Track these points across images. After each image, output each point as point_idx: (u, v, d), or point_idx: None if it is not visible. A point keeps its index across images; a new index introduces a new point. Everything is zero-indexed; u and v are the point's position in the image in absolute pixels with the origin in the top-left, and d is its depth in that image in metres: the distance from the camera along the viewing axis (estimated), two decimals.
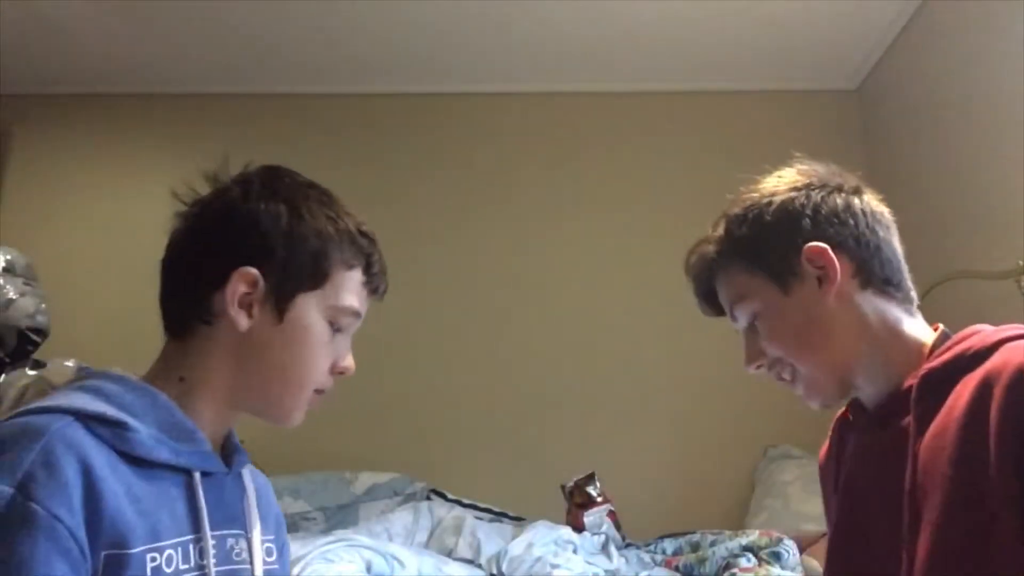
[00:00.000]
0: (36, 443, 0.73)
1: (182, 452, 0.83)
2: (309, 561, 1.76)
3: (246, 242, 0.88)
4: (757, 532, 2.14)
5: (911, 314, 0.94)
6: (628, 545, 2.38)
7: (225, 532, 0.89)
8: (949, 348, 0.86)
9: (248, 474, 0.97)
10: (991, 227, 2.56)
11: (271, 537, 0.98)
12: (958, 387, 0.81)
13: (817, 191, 0.97)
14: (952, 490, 0.77)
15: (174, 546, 0.80)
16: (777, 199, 0.96)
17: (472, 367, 3.24)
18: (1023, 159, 2.42)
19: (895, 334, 0.91)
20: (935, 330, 0.93)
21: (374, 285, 0.96)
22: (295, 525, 2.52)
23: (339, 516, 2.62)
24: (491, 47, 3.28)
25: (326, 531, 2.31)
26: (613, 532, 2.43)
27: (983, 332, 0.86)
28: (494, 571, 2.08)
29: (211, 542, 0.84)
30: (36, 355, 2.30)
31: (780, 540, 2.06)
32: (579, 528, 2.38)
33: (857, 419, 0.98)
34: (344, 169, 3.45)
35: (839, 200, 0.96)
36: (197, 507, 0.84)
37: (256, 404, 0.92)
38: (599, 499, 2.52)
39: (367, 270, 0.95)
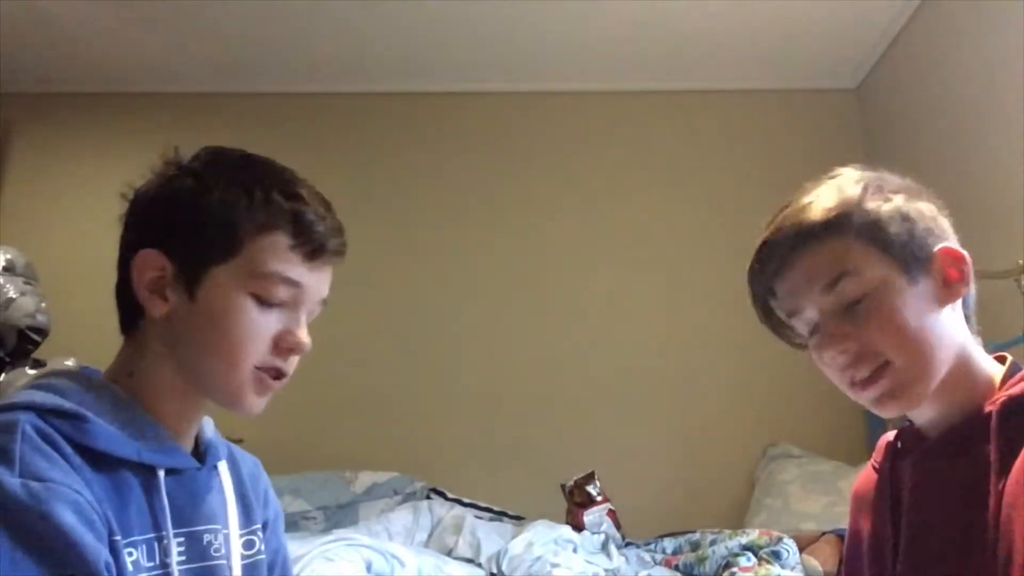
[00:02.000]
0: (16, 434, 0.71)
1: (145, 450, 0.80)
2: (309, 561, 1.76)
3: (146, 224, 0.86)
4: (757, 531, 2.14)
5: (979, 345, 0.92)
6: (628, 544, 2.38)
7: (200, 528, 0.86)
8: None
9: (225, 466, 0.94)
10: (991, 227, 2.56)
11: (255, 526, 0.96)
12: None
13: (934, 202, 0.95)
14: None
15: (137, 543, 0.78)
16: (903, 192, 0.93)
17: (472, 367, 3.24)
18: (1023, 159, 2.43)
19: (970, 362, 0.89)
20: (1000, 361, 0.91)
21: (311, 247, 0.85)
22: (295, 524, 2.52)
23: (339, 515, 2.62)
24: (491, 47, 3.28)
25: (326, 530, 2.31)
26: (613, 531, 2.43)
27: None
28: (494, 570, 2.08)
29: (176, 540, 0.82)
30: (36, 354, 2.30)
31: (780, 539, 2.06)
32: (579, 527, 2.38)
33: (912, 446, 0.93)
34: (344, 168, 3.45)
35: (946, 216, 0.94)
36: (159, 507, 0.81)
37: (203, 391, 0.87)
38: (599, 498, 2.52)
39: (296, 233, 0.85)
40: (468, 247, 3.38)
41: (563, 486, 2.58)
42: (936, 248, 0.88)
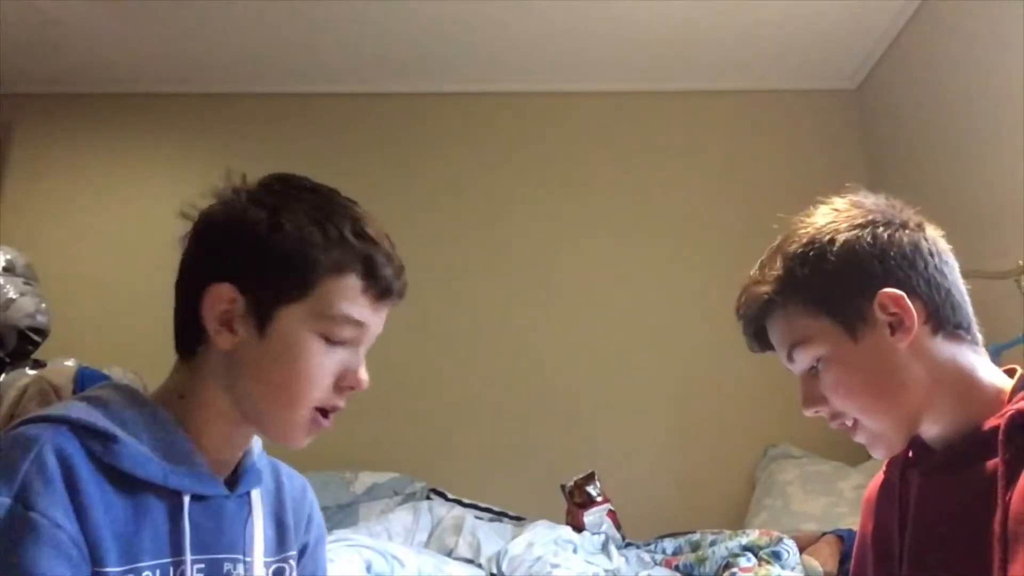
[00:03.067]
0: (29, 452, 0.73)
1: (173, 473, 0.81)
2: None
3: (221, 256, 0.85)
4: (757, 532, 2.14)
5: (983, 357, 0.90)
6: (628, 545, 2.38)
7: (221, 556, 0.86)
8: None
9: (258, 494, 0.93)
10: (991, 227, 2.56)
11: (289, 553, 0.95)
12: None
13: (882, 229, 0.89)
14: None
15: (152, 567, 0.79)
16: (840, 237, 0.88)
17: (472, 367, 3.24)
18: (1022, 159, 2.43)
19: (971, 380, 0.87)
20: (1010, 374, 0.89)
21: (379, 289, 0.87)
22: None
23: (339, 516, 2.62)
24: (491, 47, 3.28)
25: (326, 531, 2.31)
26: (613, 532, 2.43)
27: None
28: (494, 571, 2.08)
29: (195, 567, 0.82)
30: (36, 355, 2.30)
31: (780, 540, 2.06)
32: (579, 528, 2.38)
33: (922, 458, 0.92)
34: (343, 169, 3.45)
35: (906, 239, 0.89)
36: (180, 533, 0.81)
37: (257, 423, 0.88)
38: (599, 499, 2.52)
39: (366, 274, 0.86)
40: (468, 247, 3.38)
41: (563, 486, 2.58)
42: (875, 297, 0.87)
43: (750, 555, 2.02)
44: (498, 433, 3.16)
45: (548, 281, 3.35)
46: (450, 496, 2.66)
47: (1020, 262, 2.28)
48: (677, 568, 2.10)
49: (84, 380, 2.20)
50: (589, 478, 2.56)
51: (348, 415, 3.32)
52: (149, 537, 0.79)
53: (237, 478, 0.90)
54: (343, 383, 0.87)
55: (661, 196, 3.43)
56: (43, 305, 2.30)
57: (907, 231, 0.90)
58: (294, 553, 0.97)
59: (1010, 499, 0.79)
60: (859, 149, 3.49)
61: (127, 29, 3.13)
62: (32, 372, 2.19)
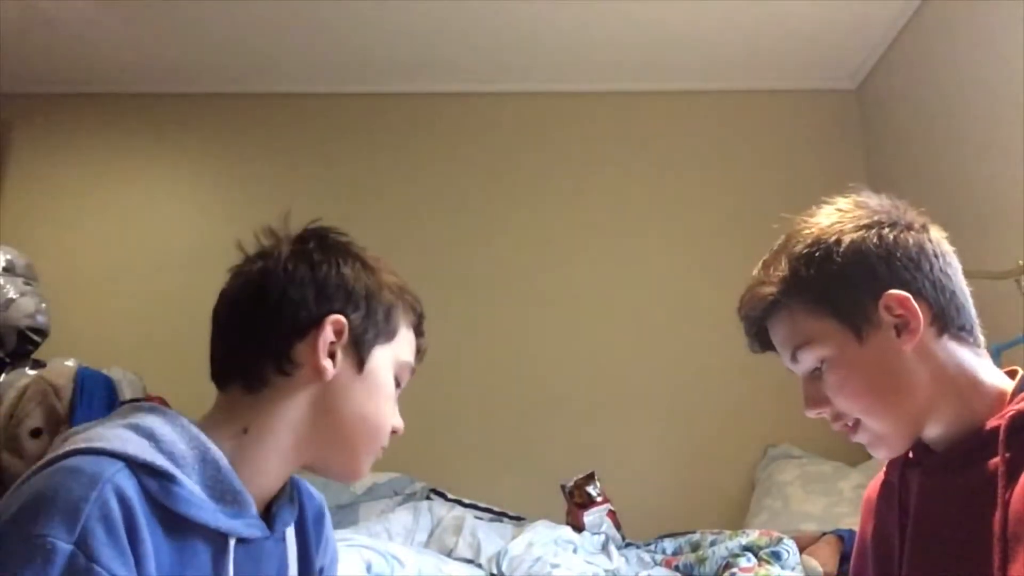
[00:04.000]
0: (92, 492, 0.69)
1: (222, 515, 0.79)
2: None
3: (334, 293, 0.88)
4: (757, 532, 2.14)
5: (985, 358, 0.91)
6: (628, 545, 2.38)
7: None
8: None
9: (292, 533, 0.93)
10: (991, 227, 2.56)
11: None
12: None
13: (888, 230, 0.89)
14: None
15: None
16: (846, 238, 0.88)
17: (472, 367, 3.24)
18: (1023, 159, 2.43)
19: (974, 382, 0.88)
20: (1011, 375, 0.90)
21: (421, 348, 0.99)
22: None
23: (339, 516, 2.61)
24: (491, 47, 3.28)
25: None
26: (613, 532, 2.43)
27: None
28: (494, 571, 2.08)
29: None
30: (36, 355, 2.31)
31: (780, 540, 2.06)
32: (579, 528, 2.38)
33: (922, 458, 0.93)
34: (343, 169, 3.46)
35: (911, 240, 0.89)
36: (224, 574, 0.80)
37: (326, 458, 0.89)
38: (599, 499, 2.52)
39: (418, 332, 0.97)
40: (468, 247, 3.38)
41: (563, 487, 2.58)
42: (881, 298, 0.87)
43: (750, 555, 2.02)
44: (498, 433, 3.16)
45: (548, 281, 3.35)
46: (450, 496, 2.66)
47: (1020, 262, 2.28)
48: (677, 568, 2.10)
49: (84, 380, 2.20)
50: (589, 478, 2.56)
51: None
52: None
53: (272, 515, 0.88)
54: (395, 427, 0.95)
55: (661, 196, 3.43)
56: (43, 305, 2.30)
57: (912, 232, 0.90)
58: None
59: (1010, 499, 0.79)
60: (859, 149, 3.49)
61: (127, 29, 3.13)
62: (32, 372, 2.19)
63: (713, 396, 3.18)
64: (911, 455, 0.95)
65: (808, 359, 0.90)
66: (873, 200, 0.93)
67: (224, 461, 0.80)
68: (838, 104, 3.55)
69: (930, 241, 0.90)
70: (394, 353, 0.92)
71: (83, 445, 0.74)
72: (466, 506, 2.57)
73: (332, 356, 0.86)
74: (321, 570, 0.99)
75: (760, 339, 0.98)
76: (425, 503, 2.54)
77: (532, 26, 3.15)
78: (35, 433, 2.09)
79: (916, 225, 0.91)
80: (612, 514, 2.51)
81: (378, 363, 0.90)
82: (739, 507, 3.00)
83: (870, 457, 3.15)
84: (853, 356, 0.87)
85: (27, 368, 2.22)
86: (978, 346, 0.91)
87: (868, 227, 0.89)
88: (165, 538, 0.75)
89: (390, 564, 1.88)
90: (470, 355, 3.26)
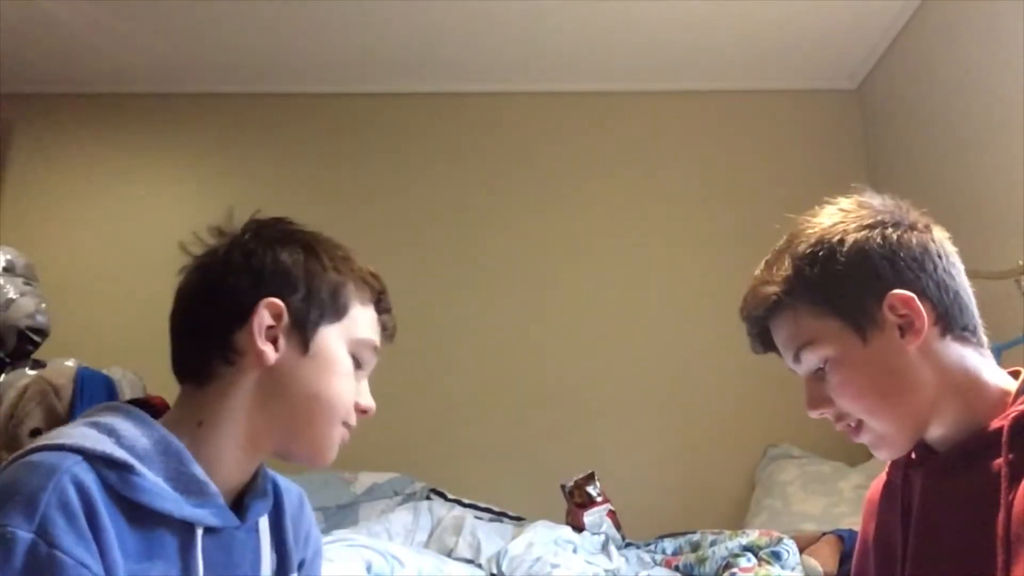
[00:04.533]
0: (49, 482, 0.71)
1: (187, 505, 0.80)
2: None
3: (269, 277, 0.88)
4: (757, 532, 2.14)
5: (988, 359, 0.91)
6: (628, 545, 2.38)
7: None
8: None
9: (266, 523, 0.93)
10: (991, 227, 2.56)
11: (291, 575, 0.96)
12: None
13: (891, 230, 0.89)
14: None
15: None
16: (849, 238, 0.88)
17: (472, 367, 3.24)
18: (1022, 159, 2.43)
19: (977, 382, 0.88)
20: (1015, 376, 0.90)
21: (387, 327, 0.97)
22: None
23: (339, 516, 2.62)
24: (491, 47, 3.28)
25: (326, 531, 2.31)
26: (613, 532, 2.43)
27: None
28: (494, 571, 2.08)
29: None
30: (36, 355, 2.30)
31: (780, 540, 2.06)
32: (579, 528, 2.38)
33: (925, 459, 0.92)
34: (343, 169, 3.46)
35: (915, 240, 0.89)
36: (192, 567, 0.80)
37: (287, 443, 0.89)
38: (599, 499, 2.52)
39: (379, 309, 0.95)
40: (468, 247, 3.38)
41: (563, 487, 2.58)
42: (885, 298, 0.86)
43: (750, 555, 2.02)
44: (498, 433, 3.16)
45: (548, 281, 3.35)
46: (450, 496, 2.66)
47: (1020, 262, 2.28)
48: (677, 568, 2.10)
49: (84, 380, 2.20)
50: (589, 478, 2.56)
51: None
52: (161, 572, 0.78)
53: (244, 506, 0.89)
54: (359, 406, 0.93)
55: (661, 196, 3.43)
56: (43, 305, 2.30)
57: (916, 232, 0.90)
58: (295, 574, 0.97)
59: (1013, 500, 0.79)
60: (859, 149, 3.49)
61: (127, 29, 3.13)
62: (32, 372, 2.19)
63: (713, 396, 3.18)
64: (913, 456, 0.95)
65: (811, 359, 0.90)
66: (876, 200, 0.93)
67: (187, 453, 0.82)
68: (838, 104, 3.55)
69: (933, 241, 0.90)
70: (346, 331, 0.90)
71: (43, 442, 0.76)
72: (466, 506, 2.57)
73: (274, 340, 0.86)
74: (302, 563, 0.99)
75: (762, 339, 0.97)
76: (425, 503, 2.54)
77: (532, 26, 3.15)
78: (35, 433, 2.09)
79: (919, 225, 0.91)
80: (612, 514, 2.51)
81: (326, 342, 0.89)
82: (739, 507, 3.00)
83: (870, 457, 3.15)
84: (857, 356, 0.87)
85: (27, 368, 2.22)
86: (981, 346, 0.91)
87: (871, 227, 0.89)
88: (130, 529, 0.76)
89: (390, 564, 1.88)
90: (470, 355, 3.26)
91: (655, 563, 2.17)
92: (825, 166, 3.38)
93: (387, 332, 0.97)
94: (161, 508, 0.78)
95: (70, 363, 2.23)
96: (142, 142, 3.49)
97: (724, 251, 3.19)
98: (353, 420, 0.92)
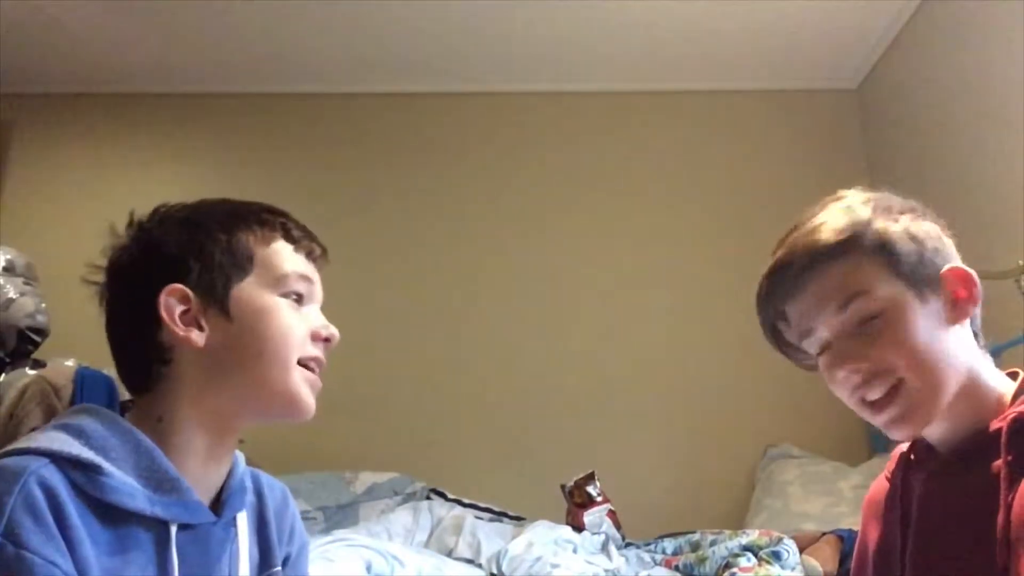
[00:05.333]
0: (14, 486, 0.71)
1: (159, 502, 0.80)
2: (309, 561, 1.76)
3: (158, 269, 0.87)
4: (757, 532, 2.14)
5: (989, 360, 0.93)
6: (628, 545, 2.38)
7: None
8: None
9: (244, 517, 0.92)
10: (991, 227, 2.56)
11: (274, 569, 0.95)
12: None
13: (937, 222, 0.94)
14: None
15: None
16: (909, 213, 0.92)
17: (472, 367, 3.24)
18: (1022, 159, 2.43)
19: (981, 380, 0.90)
20: (1013, 377, 0.92)
21: (307, 247, 0.93)
22: None
23: (339, 516, 2.62)
24: (491, 47, 3.28)
25: (326, 531, 2.31)
26: (613, 532, 2.43)
27: None
28: (494, 571, 2.08)
29: None
30: (36, 354, 2.30)
31: (780, 540, 2.06)
32: (579, 528, 2.38)
33: (924, 459, 0.94)
34: (344, 169, 3.46)
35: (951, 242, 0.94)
36: (168, 563, 0.80)
37: (254, 408, 0.88)
38: (599, 499, 2.52)
39: (289, 238, 0.92)
40: (469, 247, 3.38)
41: (563, 486, 2.58)
42: (944, 268, 0.89)
43: (750, 555, 2.02)
44: (498, 433, 3.16)
45: (548, 280, 3.35)
46: (450, 496, 2.66)
47: (1020, 262, 2.28)
48: (677, 568, 2.10)
49: (84, 380, 2.20)
50: (589, 478, 2.56)
51: (348, 415, 3.33)
52: (136, 570, 0.78)
53: (222, 502, 0.89)
54: (318, 335, 0.91)
55: (661, 196, 3.43)
56: (43, 305, 2.30)
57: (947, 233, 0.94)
58: (279, 569, 0.96)
59: (1012, 501, 0.80)
60: (859, 149, 3.50)
61: (127, 29, 3.13)
62: (32, 372, 2.19)
63: (713, 396, 3.18)
64: (913, 456, 0.95)
65: (865, 307, 0.87)
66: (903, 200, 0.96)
67: (157, 451, 0.82)
68: (838, 104, 3.55)
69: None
70: (261, 279, 0.88)
71: (10, 448, 0.76)
72: (466, 506, 2.58)
73: (196, 322, 0.85)
74: (287, 558, 0.99)
75: (788, 296, 0.92)
76: (425, 503, 2.54)
77: (532, 26, 3.15)
78: None
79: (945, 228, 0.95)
80: (612, 514, 2.51)
81: (246, 299, 0.87)
82: (739, 507, 3.00)
83: (870, 457, 3.14)
84: (914, 312, 0.87)
85: (27, 368, 2.22)
86: (983, 348, 0.93)
87: (921, 211, 0.94)
88: (103, 528, 0.76)
89: (390, 564, 1.88)
90: (470, 355, 3.26)
91: (655, 563, 2.17)
92: (825, 166, 3.38)
93: (312, 254, 0.94)
94: (131, 507, 0.78)
95: (70, 363, 2.23)
96: (142, 142, 3.49)
97: (724, 251, 3.20)
98: (315, 352, 0.90)
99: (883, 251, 0.88)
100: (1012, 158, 2.48)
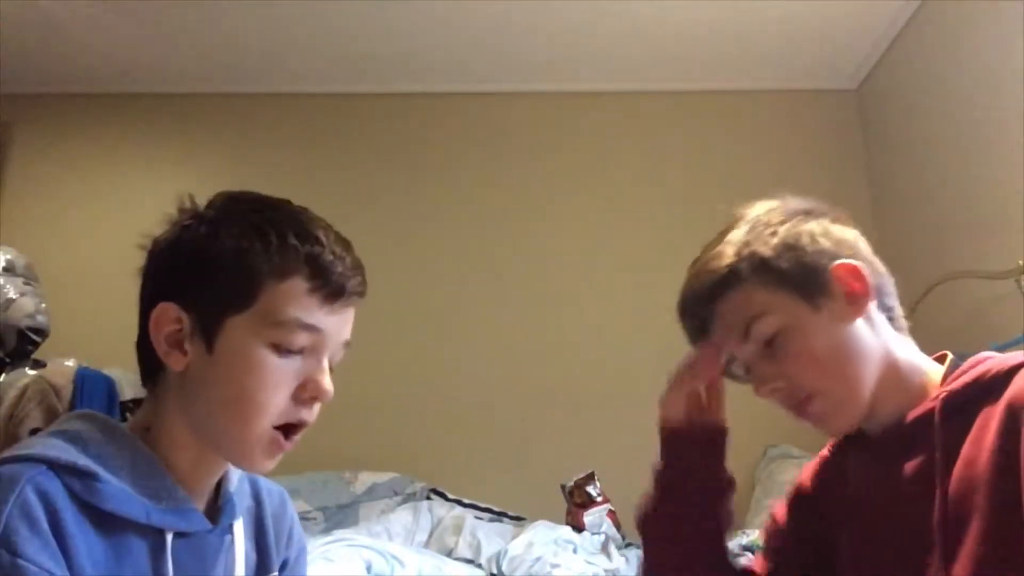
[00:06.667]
0: (11, 493, 0.70)
1: (155, 510, 0.79)
2: (309, 561, 1.76)
3: (162, 278, 0.85)
4: (757, 531, 2.14)
5: (911, 342, 0.94)
6: (628, 545, 2.38)
7: None
8: (965, 372, 0.86)
9: (240, 525, 0.91)
10: (991, 227, 2.56)
11: (271, 574, 0.95)
12: (981, 416, 0.82)
13: (824, 216, 0.94)
14: (991, 522, 0.77)
15: None
16: (790, 220, 0.93)
17: (472, 367, 3.24)
18: (1023, 159, 2.43)
19: (908, 363, 0.91)
20: (941, 360, 0.93)
21: (330, 289, 0.83)
22: None
23: (339, 516, 2.62)
24: (491, 47, 3.28)
25: (326, 531, 2.31)
26: (613, 532, 2.43)
27: (996, 357, 0.87)
28: (494, 571, 2.08)
29: None
30: (36, 354, 2.30)
31: None
32: (579, 528, 2.38)
33: (857, 446, 0.95)
34: (343, 169, 3.45)
35: (845, 226, 0.95)
36: (163, 571, 0.79)
37: (214, 447, 0.84)
38: (599, 499, 2.52)
39: (313, 276, 0.82)
40: (468, 247, 3.38)
41: (563, 487, 2.58)
42: (831, 267, 0.89)
43: (750, 554, 2.02)
44: (498, 433, 3.16)
45: (548, 280, 3.35)
46: (450, 496, 2.67)
47: (1020, 262, 2.29)
48: None
49: (84, 380, 2.20)
50: (589, 478, 2.57)
51: (348, 415, 3.31)
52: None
53: (217, 509, 0.88)
54: (304, 394, 0.82)
55: (661, 196, 3.43)
56: (43, 305, 2.30)
57: (843, 221, 0.95)
58: (275, 574, 0.96)
59: (948, 485, 0.81)
60: (859, 149, 3.49)
61: (127, 29, 3.13)
62: (32, 372, 2.19)
63: None
64: (847, 442, 0.97)
65: (763, 330, 0.89)
66: (794, 199, 0.97)
67: (155, 459, 0.81)
68: (838, 104, 3.55)
69: (854, 234, 0.95)
70: (258, 320, 0.80)
71: (7, 454, 0.76)
72: (466, 506, 2.58)
73: (180, 344, 0.82)
74: (285, 562, 0.98)
75: (701, 320, 0.98)
76: (425, 503, 2.55)
77: (532, 26, 3.15)
78: (35, 433, 2.09)
79: (843, 218, 0.96)
80: (612, 514, 2.51)
81: (232, 338, 0.80)
82: (739, 507, 2.97)
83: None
84: (808, 323, 0.88)
85: (27, 368, 2.22)
86: (903, 331, 0.94)
87: (807, 212, 0.94)
88: (98, 537, 0.75)
89: (390, 564, 1.88)
90: (470, 355, 3.26)
91: None
92: (825, 166, 3.38)
93: (337, 299, 0.83)
94: (127, 514, 0.77)
95: (70, 363, 2.23)
96: (142, 142, 3.49)
97: None
98: (298, 416, 0.82)
99: (764, 271, 0.90)
100: (1012, 158, 2.47)
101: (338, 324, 0.85)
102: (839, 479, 0.97)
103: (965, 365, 0.88)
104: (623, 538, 2.44)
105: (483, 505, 2.61)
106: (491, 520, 2.51)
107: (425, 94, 3.52)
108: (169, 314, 0.82)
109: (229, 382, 0.80)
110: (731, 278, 0.91)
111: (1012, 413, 0.78)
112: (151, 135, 3.49)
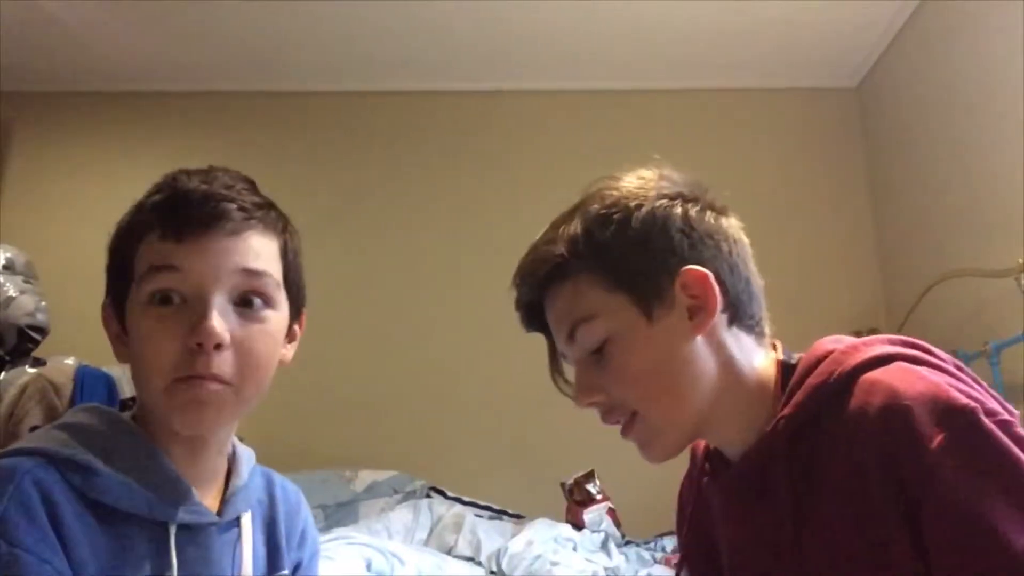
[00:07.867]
0: (8, 485, 0.71)
1: (158, 503, 0.79)
2: None
3: (113, 274, 0.87)
4: None
5: (769, 351, 0.83)
6: (628, 543, 2.38)
7: None
8: (800, 382, 0.76)
9: (248, 519, 0.90)
10: (991, 226, 2.56)
11: (282, 573, 0.94)
12: (827, 436, 0.72)
13: (691, 204, 0.82)
14: (847, 548, 0.69)
15: None
16: (648, 204, 0.80)
17: (472, 366, 3.24)
18: (1022, 158, 2.43)
19: (761, 380, 0.80)
20: (775, 364, 0.81)
21: (174, 225, 0.81)
22: None
23: (339, 514, 2.62)
24: (490, 46, 3.28)
25: (326, 529, 2.31)
26: (613, 530, 2.43)
27: (834, 355, 0.76)
28: (494, 569, 2.08)
29: None
30: (36, 353, 2.30)
31: None
32: (579, 526, 2.39)
33: (717, 467, 0.86)
34: (342, 168, 3.46)
35: (712, 220, 0.82)
36: (167, 564, 0.79)
37: (160, 423, 0.83)
38: (599, 496, 2.52)
39: (162, 222, 0.82)
40: (467, 246, 3.38)
41: (563, 484, 2.59)
42: (678, 275, 0.77)
43: None
44: (498, 431, 3.16)
45: None
46: (450, 494, 2.67)
47: (1020, 260, 2.29)
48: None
49: (84, 378, 2.20)
50: (589, 476, 2.57)
51: (348, 414, 3.32)
52: (134, 571, 0.77)
53: (225, 502, 0.87)
54: (189, 342, 0.77)
55: None
56: (43, 303, 2.30)
57: (713, 212, 0.84)
58: (287, 572, 0.95)
59: (799, 509, 0.74)
60: (859, 148, 3.49)
61: (127, 29, 3.13)
62: (32, 370, 2.19)
63: None
64: (707, 464, 0.88)
65: (588, 337, 0.79)
66: (677, 175, 0.87)
67: (158, 451, 0.81)
68: (838, 103, 3.55)
69: (729, 225, 0.84)
70: (136, 288, 0.81)
71: (8, 448, 0.76)
72: (466, 504, 2.58)
73: (121, 339, 0.85)
74: (299, 564, 0.98)
75: (531, 312, 0.88)
76: (425, 501, 2.55)
77: (532, 25, 3.15)
78: (34, 431, 2.09)
79: (717, 206, 0.85)
80: (612, 512, 2.51)
81: (130, 313, 0.82)
82: None
83: None
84: (640, 335, 0.77)
85: (27, 366, 2.22)
86: (763, 337, 0.83)
87: (672, 197, 0.82)
88: (100, 530, 0.75)
89: (390, 562, 1.88)
90: (470, 354, 3.26)
91: (655, 561, 2.18)
92: (825, 165, 3.38)
93: (187, 225, 0.81)
94: (128, 507, 0.77)
95: (70, 361, 2.23)
96: (142, 140, 3.49)
97: None
98: (191, 371, 0.78)
99: (600, 266, 0.78)
100: (1012, 157, 2.48)
101: (204, 256, 0.80)
102: (705, 507, 0.88)
103: (799, 373, 0.77)
104: (623, 536, 2.45)
105: (483, 503, 2.61)
106: (491, 518, 2.51)
107: (422, 93, 3.52)
108: (105, 313, 0.87)
109: (136, 356, 0.81)
110: (563, 268, 0.81)
111: (855, 435, 0.69)
112: (151, 134, 3.49)
